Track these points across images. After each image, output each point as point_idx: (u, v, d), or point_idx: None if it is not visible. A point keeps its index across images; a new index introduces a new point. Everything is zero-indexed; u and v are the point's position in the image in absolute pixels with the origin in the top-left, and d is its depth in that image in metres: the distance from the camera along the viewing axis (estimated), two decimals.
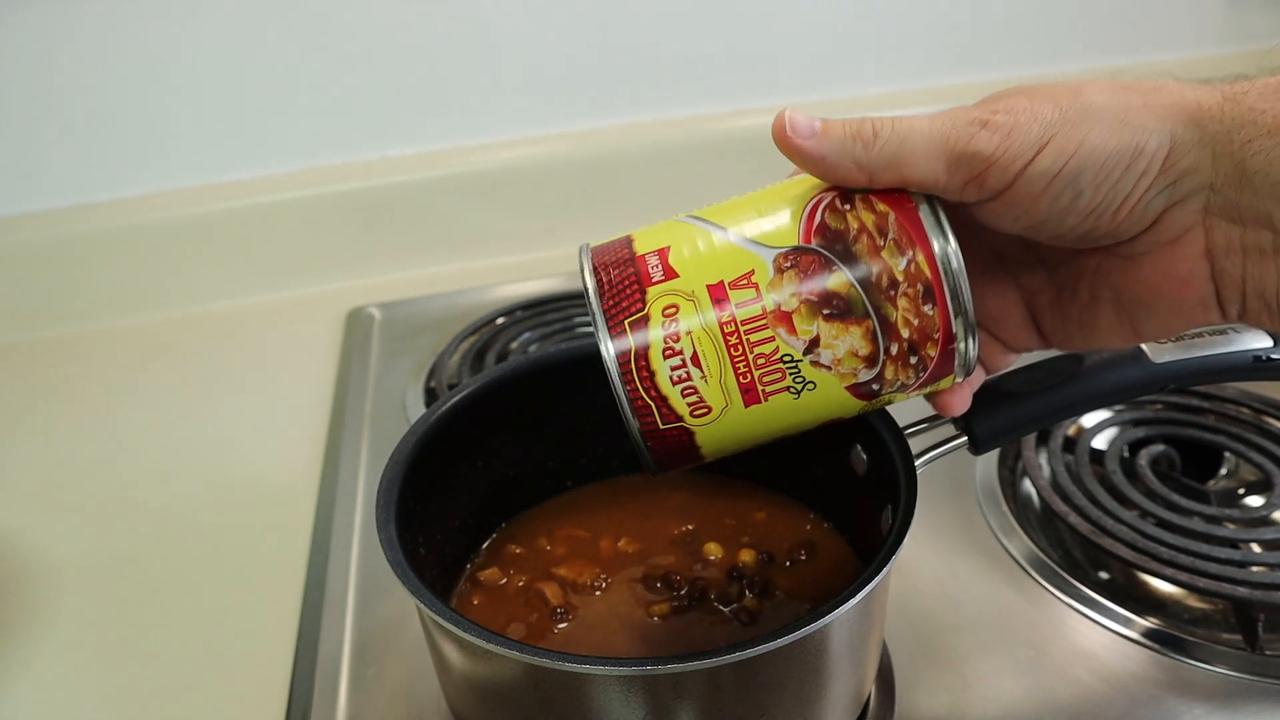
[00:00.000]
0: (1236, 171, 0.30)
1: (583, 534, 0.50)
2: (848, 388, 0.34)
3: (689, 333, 0.33)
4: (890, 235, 0.32)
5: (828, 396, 0.34)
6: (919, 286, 0.32)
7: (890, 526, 0.38)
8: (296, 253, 0.91)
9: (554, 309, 0.81)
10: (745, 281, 0.33)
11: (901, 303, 0.32)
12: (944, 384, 0.35)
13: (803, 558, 0.48)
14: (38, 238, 0.86)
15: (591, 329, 0.35)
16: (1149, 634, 0.49)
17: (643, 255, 0.34)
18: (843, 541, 0.49)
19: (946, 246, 0.32)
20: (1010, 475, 0.61)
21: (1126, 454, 0.60)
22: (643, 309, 0.34)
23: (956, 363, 0.34)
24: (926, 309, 0.32)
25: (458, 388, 0.47)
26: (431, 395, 0.72)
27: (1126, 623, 0.49)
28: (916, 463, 0.41)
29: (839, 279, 0.32)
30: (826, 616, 0.34)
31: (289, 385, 0.78)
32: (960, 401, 0.37)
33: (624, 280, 0.34)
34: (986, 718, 0.45)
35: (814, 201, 0.33)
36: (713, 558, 0.48)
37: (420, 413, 0.50)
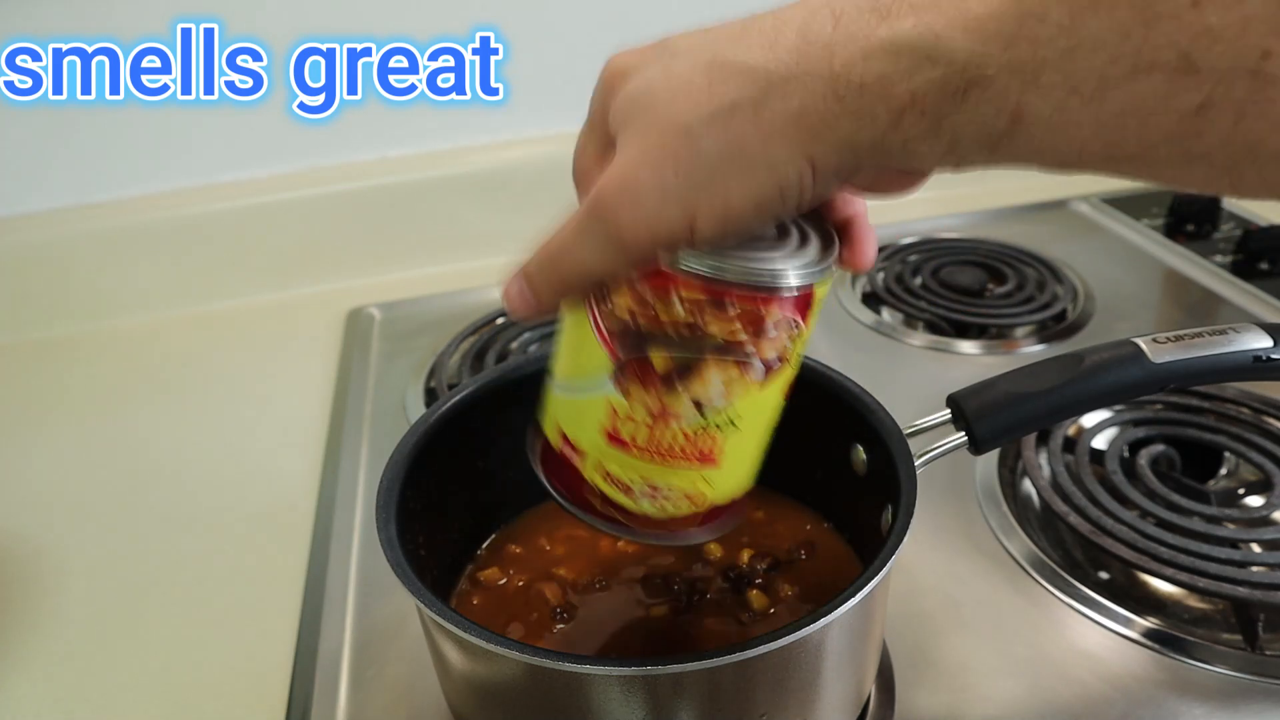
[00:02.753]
0: (881, 156, 0.28)
1: (583, 534, 0.50)
2: (760, 385, 0.34)
3: (628, 475, 0.36)
4: (649, 297, 0.32)
5: (756, 402, 0.35)
6: (707, 308, 0.32)
7: (890, 526, 0.38)
8: (296, 253, 0.91)
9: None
10: (616, 418, 0.34)
11: (713, 328, 0.32)
12: (821, 292, 0.34)
13: (803, 558, 0.48)
14: (38, 238, 0.86)
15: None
16: (1149, 634, 0.49)
17: (560, 450, 0.37)
18: (843, 541, 0.49)
19: (684, 260, 0.31)
20: (1010, 475, 0.61)
21: (1126, 454, 0.60)
22: (594, 488, 0.37)
23: (805, 287, 0.33)
24: (731, 310, 0.32)
25: (458, 388, 0.47)
26: (431, 395, 0.72)
27: (1126, 623, 0.49)
28: (916, 463, 0.41)
29: (659, 360, 0.33)
30: (826, 616, 0.34)
31: (289, 385, 0.78)
32: (861, 257, 0.35)
33: (567, 477, 0.37)
34: (986, 718, 0.45)
35: (592, 320, 0.34)
36: (712, 558, 0.48)
37: (420, 413, 0.50)
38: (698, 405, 0.34)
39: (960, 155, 0.27)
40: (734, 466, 0.37)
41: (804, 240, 0.33)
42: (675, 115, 0.29)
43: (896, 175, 0.32)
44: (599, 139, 0.34)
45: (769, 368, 0.34)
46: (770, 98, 0.28)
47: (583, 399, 0.35)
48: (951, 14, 0.25)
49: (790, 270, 0.32)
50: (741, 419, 0.35)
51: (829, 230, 0.34)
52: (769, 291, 0.32)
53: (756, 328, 0.32)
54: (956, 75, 0.25)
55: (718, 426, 0.34)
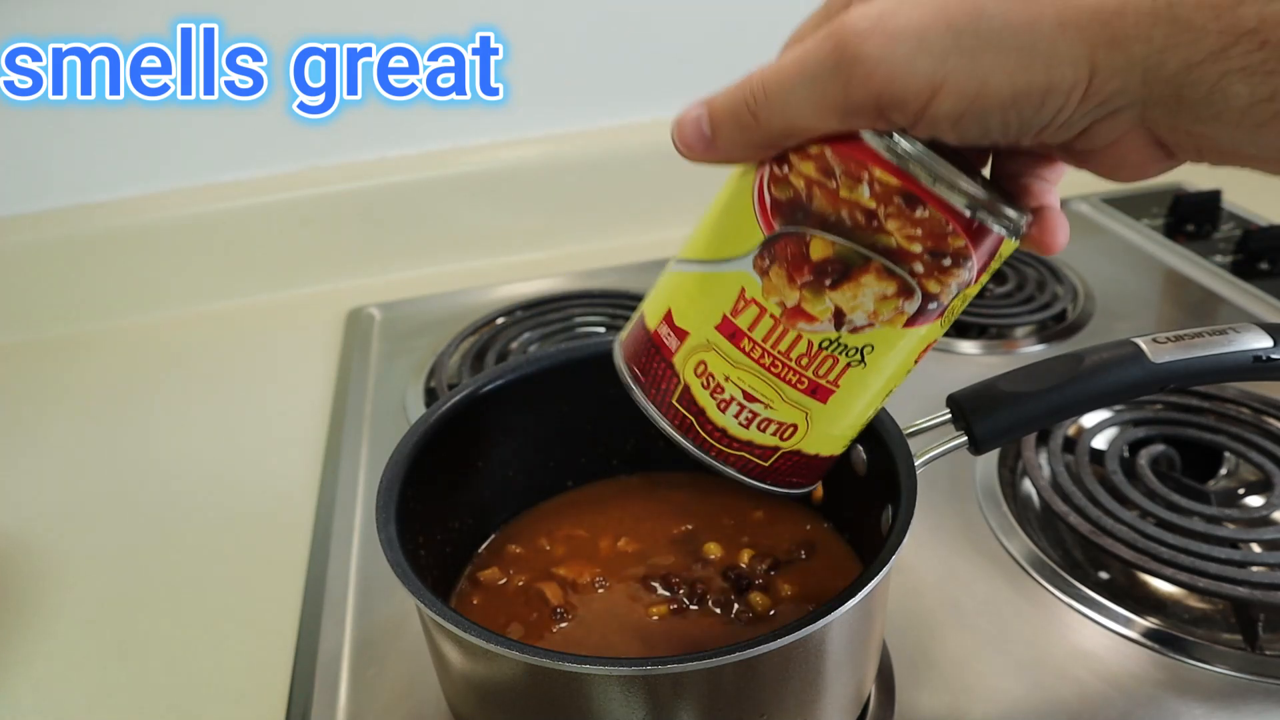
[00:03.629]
0: (1174, 98, 0.25)
1: (583, 534, 0.50)
2: (906, 325, 0.31)
3: (727, 378, 0.32)
4: (838, 171, 0.29)
5: (894, 344, 0.31)
6: (896, 200, 0.29)
7: (890, 526, 0.38)
8: (296, 253, 0.91)
9: (554, 309, 0.81)
10: (742, 303, 0.31)
11: (891, 225, 0.29)
12: (1005, 251, 0.31)
13: (802, 558, 0.48)
14: (38, 238, 0.86)
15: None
16: (1149, 634, 0.49)
17: (655, 330, 0.34)
18: (843, 541, 0.49)
19: (893, 144, 0.28)
20: (1010, 475, 0.61)
21: (1126, 454, 0.60)
22: (679, 381, 0.33)
23: (996, 231, 0.30)
24: (920, 213, 0.29)
25: (457, 388, 0.47)
26: (431, 395, 0.72)
27: (1126, 623, 0.49)
28: (916, 463, 0.41)
29: (819, 245, 0.30)
30: (826, 616, 0.34)
31: (289, 385, 0.78)
32: (1052, 238, 0.31)
33: (652, 365, 0.34)
34: (986, 718, 0.45)
35: (757, 184, 0.31)
36: (712, 557, 0.48)
37: (420, 413, 0.50)
38: (837, 316, 0.30)
39: (1271, 115, 0.23)
40: (839, 414, 0.33)
41: (1002, 197, 0.30)
42: None
43: (1143, 149, 0.28)
44: (832, 10, 0.29)
45: (924, 307, 0.30)
46: None
47: (711, 275, 0.32)
48: None
49: (995, 207, 0.29)
50: (872, 357, 0.31)
51: (1023, 205, 0.32)
52: (967, 215, 0.29)
53: (936, 248, 0.29)
54: None
55: (845, 352, 0.31)
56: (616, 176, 0.93)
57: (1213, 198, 0.92)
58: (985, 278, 0.31)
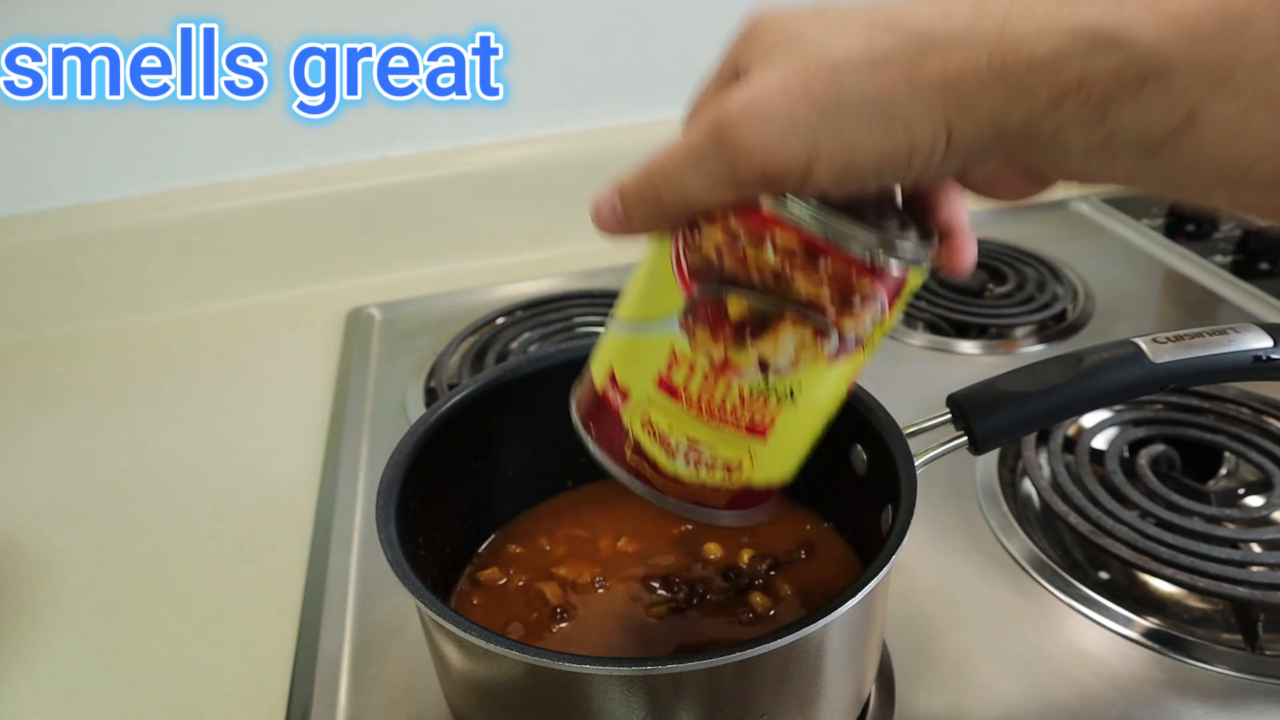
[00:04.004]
0: (1024, 144, 0.27)
1: (582, 534, 0.50)
2: (830, 360, 0.33)
3: (671, 428, 0.34)
4: (742, 235, 0.31)
5: (820, 380, 0.33)
6: (798, 256, 0.30)
7: (890, 526, 0.38)
8: (296, 253, 0.91)
9: (554, 309, 0.81)
10: (674, 361, 0.33)
11: (798, 278, 0.31)
12: (914, 281, 0.33)
13: (802, 558, 0.48)
14: (38, 238, 0.86)
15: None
16: (1149, 634, 0.49)
17: (602, 390, 0.36)
18: (843, 541, 0.49)
19: (788, 206, 0.30)
20: (1010, 475, 0.61)
21: (1126, 454, 0.60)
22: (629, 435, 0.35)
23: (901, 266, 0.32)
24: (822, 265, 0.30)
25: (457, 388, 0.47)
26: (431, 395, 0.72)
27: (1126, 623, 0.49)
28: (916, 463, 0.41)
29: (735, 303, 0.32)
30: (826, 616, 0.34)
31: (289, 385, 0.78)
32: (958, 261, 0.34)
33: (603, 421, 0.36)
34: (986, 718, 0.45)
35: (673, 251, 0.33)
36: (712, 557, 0.48)
37: (420, 413, 0.50)
38: (763, 365, 0.32)
39: (1110, 154, 0.26)
40: (780, 448, 0.35)
41: (904, 228, 0.32)
42: (825, 52, 0.28)
43: (1019, 176, 0.30)
44: (724, 80, 0.32)
45: (844, 345, 0.33)
46: (928, 56, 0.26)
47: (643, 338, 0.34)
48: (1143, 6, 0.24)
49: (889, 247, 0.31)
50: (802, 393, 0.33)
51: (929, 227, 0.34)
52: (865, 260, 0.30)
53: (844, 295, 0.31)
54: (1137, 64, 0.24)
55: (776, 395, 0.33)
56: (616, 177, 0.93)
57: None
58: (900, 306, 0.33)
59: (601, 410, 0.36)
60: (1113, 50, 0.24)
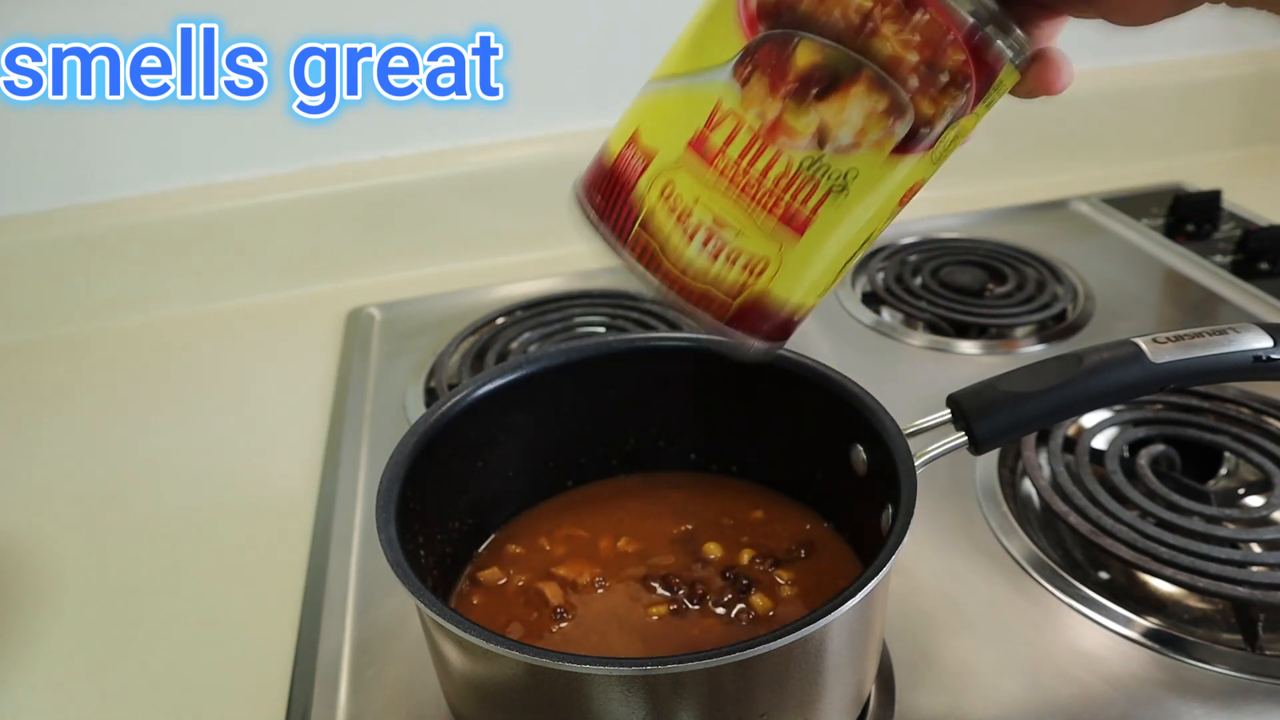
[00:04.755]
0: None
1: (583, 534, 0.50)
2: (894, 152, 0.29)
3: (697, 199, 0.29)
4: None
5: (879, 174, 0.29)
6: (895, 0, 0.27)
7: (890, 526, 0.38)
8: (296, 253, 0.91)
9: (554, 309, 0.81)
10: (719, 116, 0.29)
11: (887, 29, 0.27)
12: (1006, 82, 0.29)
13: (802, 557, 0.48)
14: (38, 238, 0.86)
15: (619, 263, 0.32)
16: (1149, 634, 0.49)
17: (618, 155, 0.31)
18: (843, 541, 0.49)
19: None
20: (1010, 475, 0.61)
21: (1126, 454, 0.60)
22: (642, 206, 0.30)
23: (999, 53, 0.28)
24: (919, 17, 0.27)
25: (458, 388, 0.47)
26: (431, 395, 0.72)
27: (1126, 623, 0.49)
28: (916, 463, 0.41)
29: (806, 50, 0.27)
30: (826, 616, 0.34)
31: (289, 385, 0.78)
32: (1056, 76, 0.30)
33: (612, 193, 0.31)
34: (986, 718, 0.45)
35: None
36: (712, 557, 0.48)
37: (420, 413, 0.50)
38: (819, 139, 0.28)
39: None
40: (811, 256, 0.31)
41: (1006, 14, 0.28)
42: None
43: None
44: None
45: (913, 138, 0.28)
46: None
47: (684, 89, 0.29)
48: None
49: (998, 20, 0.27)
50: (854, 187, 0.29)
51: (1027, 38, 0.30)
52: (965, 29, 0.27)
53: (933, 60, 0.27)
54: None
55: (827, 175, 0.29)
56: None
57: (1213, 198, 0.92)
58: (982, 111, 0.30)
59: (612, 180, 0.31)
60: None
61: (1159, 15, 0.28)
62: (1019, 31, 0.28)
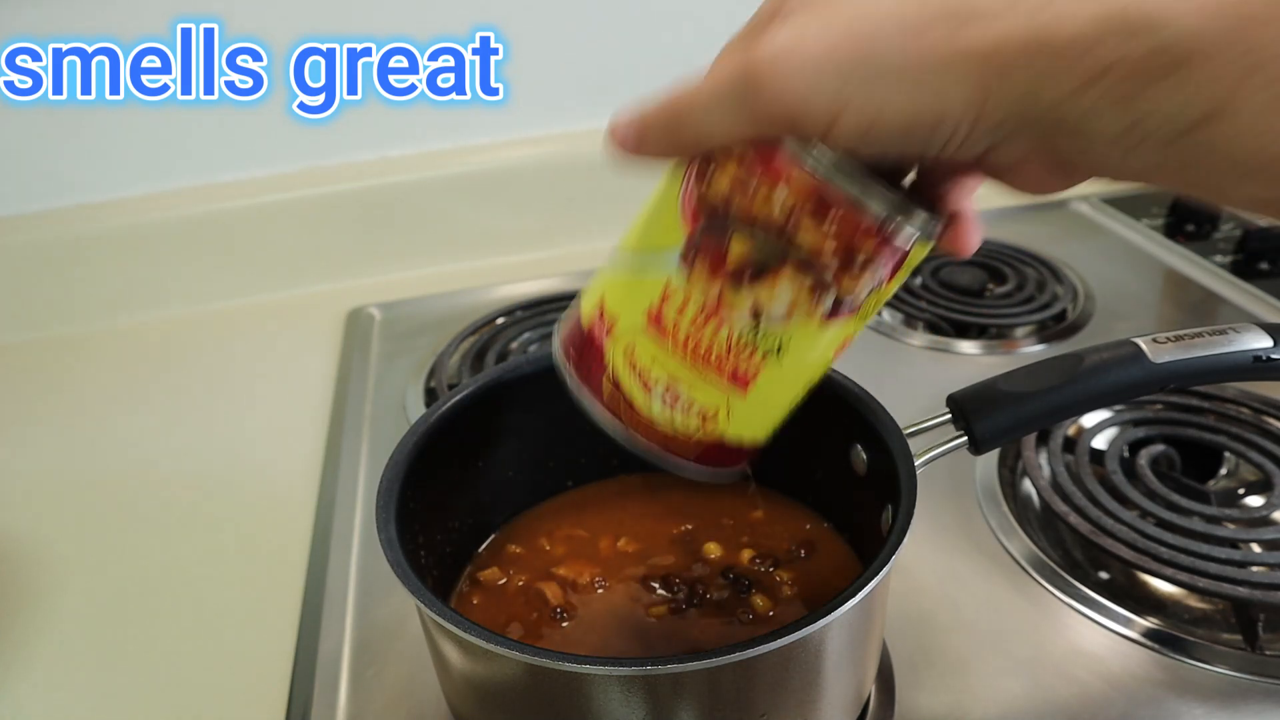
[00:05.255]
0: (1055, 125, 0.27)
1: (582, 534, 0.50)
2: (823, 320, 0.33)
3: (654, 360, 0.34)
4: (756, 174, 0.30)
5: (810, 338, 0.33)
6: (810, 205, 0.30)
7: (890, 526, 0.38)
8: (296, 253, 0.91)
9: (554, 309, 0.81)
10: (668, 292, 0.33)
11: (806, 227, 0.30)
12: (917, 254, 0.33)
13: (803, 557, 0.48)
14: (38, 238, 0.86)
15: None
16: (1149, 634, 0.49)
17: (589, 318, 0.35)
18: (843, 541, 0.49)
19: (810, 151, 0.30)
20: (1010, 475, 0.61)
21: (1126, 454, 0.60)
22: (609, 367, 0.35)
23: (909, 235, 0.32)
24: (832, 218, 0.30)
25: (457, 388, 0.47)
26: (431, 395, 0.72)
27: (1126, 623, 0.49)
28: (916, 463, 0.41)
29: (738, 243, 0.31)
30: (826, 617, 0.34)
31: (289, 385, 0.78)
32: (963, 243, 0.34)
33: (585, 352, 0.36)
34: (986, 718, 0.45)
35: (684, 183, 0.32)
36: (712, 557, 0.48)
37: (420, 413, 0.50)
38: (755, 314, 0.32)
39: (1137, 140, 0.26)
40: (759, 405, 0.35)
41: (912, 203, 0.32)
42: (866, 9, 0.27)
43: (1044, 166, 0.30)
44: (759, 24, 0.31)
45: (838, 307, 0.32)
46: (969, 24, 0.26)
47: (640, 269, 0.34)
48: None
49: (903, 212, 0.31)
50: (789, 350, 0.33)
51: (936, 209, 0.33)
52: (875, 221, 0.30)
53: (846, 254, 0.31)
54: (1170, 49, 0.24)
55: (764, 347, 0.33)
56: (616, 176, 0.93)
57: None
58: (899, 278, 0.33)
59: (585, 342, 0.35)
60: (1149, 34, 0.24)
61: (1050, 189, 0.31)
62: (924, 213, 0.32)
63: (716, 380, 0.34)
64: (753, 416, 0.35)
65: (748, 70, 0.29)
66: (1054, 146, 0.28)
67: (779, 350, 0.33)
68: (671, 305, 0.33)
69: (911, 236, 0.31)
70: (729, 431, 0.35)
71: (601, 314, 0.35)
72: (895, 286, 0.33)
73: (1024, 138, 0.28)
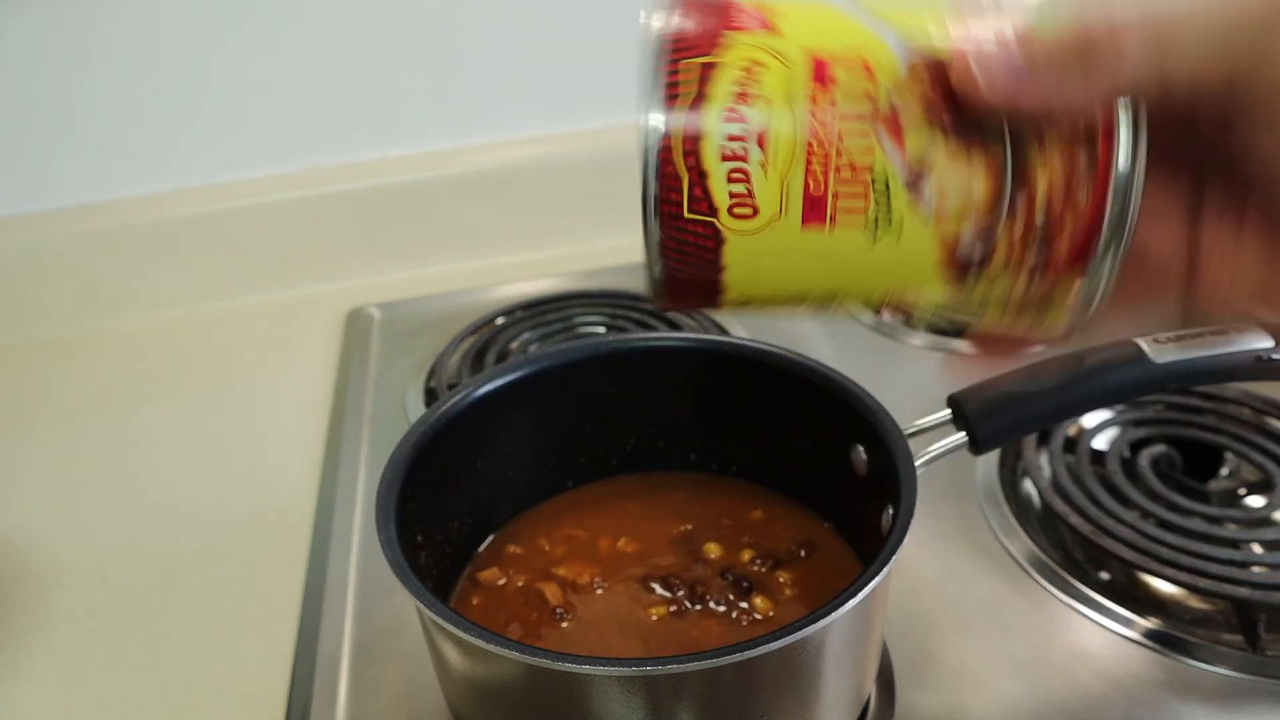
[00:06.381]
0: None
1: (582, 534, 0.50)
2: (941, 244, 0.26)
3: (761, 99, 0.26)
4: (1086, 130, 0.25)
5: (907, 252, 0.26)
6: (1088, 180, 0.25)
7: (890, 526, 0.38)
8: (296, 253, 0.91)
9: (554, 309, 0.81)
10: (860, 66, 0.25)
11: (1052, 150, 0.25)
12: (1053, 313, 0.27)
13: (802, 557, 0.48)
14: (38, 238, 0.86)
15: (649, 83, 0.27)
16: (1150, 634, 0.49)
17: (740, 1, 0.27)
18: (843, 541, 0.49)
19: (1136, 152, 0.25)
20: (1011, 475, 0.60)
21: (1127, 454, 0.60)
22: (717, 54, 0.26)
23: (1081, 288, 0.26)
24: (1081, 165, 0.25)
25: (457, 388, 0.47)
26: (431, 395, 0.72)
27: (1127, 623, 0.49)
28: (916, 463, 0.41)
29: (970, 105, 0.25)
30: (826, 617, 0.34)
31: (289, 385, 0.78)
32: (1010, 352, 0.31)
33: (705, 15, 0.27)
34: (986, 718, 0.45)
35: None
36: (712, 557, 0.48)
37: (420, 413, 0.50)
38: (917, 168, 0.26)
39: None
40: (779, 257, 0.27)
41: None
42: None
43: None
44: None
45: (970, 254, 0.26)
46: None
47: (858, 21, 0.26)
48: None
49: (1109, 274, 0.26)
50: (889, 237, 0.26)
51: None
52: (1096, 246, 0.25)
53: (1056, 220, 0.26)
54: None
55: (880, 204, 0.26)
56: (616, 176, 0.92)
57: None
58: (1011, 318, 0.28)
59: (715, 8, 0.27)
60: None
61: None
62: (1104, 291, 0.27)
63: (797, 183, 0.26)
64: (766, 262, 0.27)
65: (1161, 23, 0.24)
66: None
67: (878, 229, 0.26)
68: (853, 75, 0.25)
69: (1081, 295, 0.27)
70: (732, 245, 0.27)
71: (762, 9, 0.27)
72: (989, 317, 0.28)
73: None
